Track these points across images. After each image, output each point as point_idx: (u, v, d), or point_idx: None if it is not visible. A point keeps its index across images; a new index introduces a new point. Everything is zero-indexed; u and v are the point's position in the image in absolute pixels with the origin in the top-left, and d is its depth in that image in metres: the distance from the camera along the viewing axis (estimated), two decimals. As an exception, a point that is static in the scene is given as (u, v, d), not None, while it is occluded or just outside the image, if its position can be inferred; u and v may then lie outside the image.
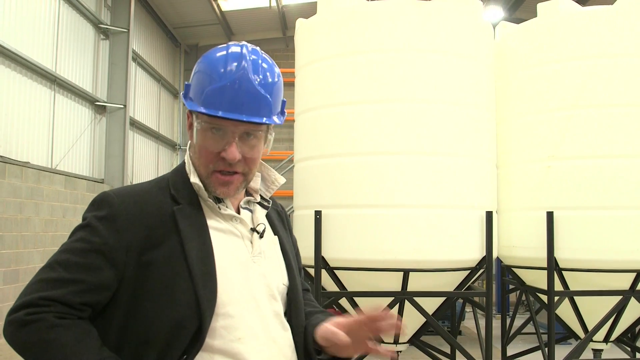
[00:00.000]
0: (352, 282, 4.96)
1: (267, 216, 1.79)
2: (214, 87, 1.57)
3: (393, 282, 4.78)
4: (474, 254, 4.92)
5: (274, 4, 16.15)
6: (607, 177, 5.06)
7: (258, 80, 1.59)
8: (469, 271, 5.01)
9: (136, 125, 15.18)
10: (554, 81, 5.32)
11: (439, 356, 5.62)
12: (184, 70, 19.22)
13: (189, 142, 1.70)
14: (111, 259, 1.52)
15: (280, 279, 1.73)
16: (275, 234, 1.79)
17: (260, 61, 1.62)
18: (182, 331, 1.50)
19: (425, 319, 5.05)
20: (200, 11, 16.59)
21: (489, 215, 4.91)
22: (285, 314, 1.72)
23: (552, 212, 5.11)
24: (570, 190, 5.15)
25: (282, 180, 1.80)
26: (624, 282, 5.14)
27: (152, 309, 1.52)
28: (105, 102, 13.28)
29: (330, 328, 1.68)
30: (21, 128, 10.00)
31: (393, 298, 4.86)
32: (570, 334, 5.96)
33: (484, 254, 4.93)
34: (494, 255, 5.10)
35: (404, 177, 4.75)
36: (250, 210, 1.75)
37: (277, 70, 1.68)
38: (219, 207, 1.65)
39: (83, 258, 1.51)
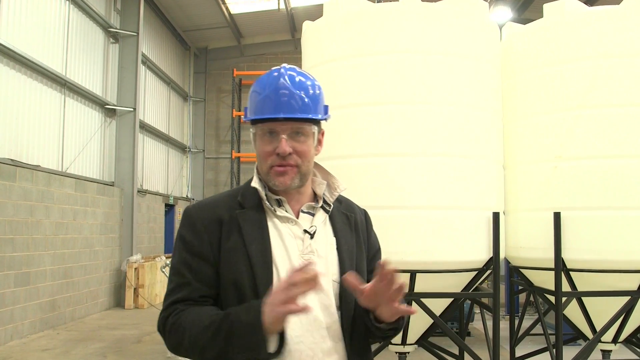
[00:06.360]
0: (360, 283, 4.97)
1: (331, 219, 2.08)
2: (260, 98, 1.95)
3: (400, 283, 4.78)
4: (481, 255, 4.93)
5: (282, 6, 16.20)
6: (614, 177, 5.05)
7: (294, 84, 1.95)
8: (477, 272, 5.01)
9: (146, 128, 15.26)
10: (561, 81, 5.32)
11: (447, 357, 5.63)
12: (194, 73, 19.29)
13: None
14: (205, 257, 1.93)
15: (330, 275, 1.97)
16: (334, 236, 2.05)
17: (296, 72, 1.99)
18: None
19: (432, 320, 5.07)
20: (210, 14, 16.68)
21: (496, 216, 4.92)
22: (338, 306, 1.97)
23: (559, 213, 5.11)
24: (577, 190, 5.15)
25: (344, 187, 2.14)
26: (632, 282, 5.13)
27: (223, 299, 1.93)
28: (115, 106, 13.38)
29: (353, 282, 1.85)
30: (32, 132, 10.09)
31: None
32: (578, 334, 5.95)
33: (491, 254, 4.94)
34: (502, 256, 5.10)
35: (410, 178, 4.77)
36: (312, 214, 2.04)
37: (312, 77, 2.03)
38: (274, 210, 1.98)
39: (187, 266, 1.94)
